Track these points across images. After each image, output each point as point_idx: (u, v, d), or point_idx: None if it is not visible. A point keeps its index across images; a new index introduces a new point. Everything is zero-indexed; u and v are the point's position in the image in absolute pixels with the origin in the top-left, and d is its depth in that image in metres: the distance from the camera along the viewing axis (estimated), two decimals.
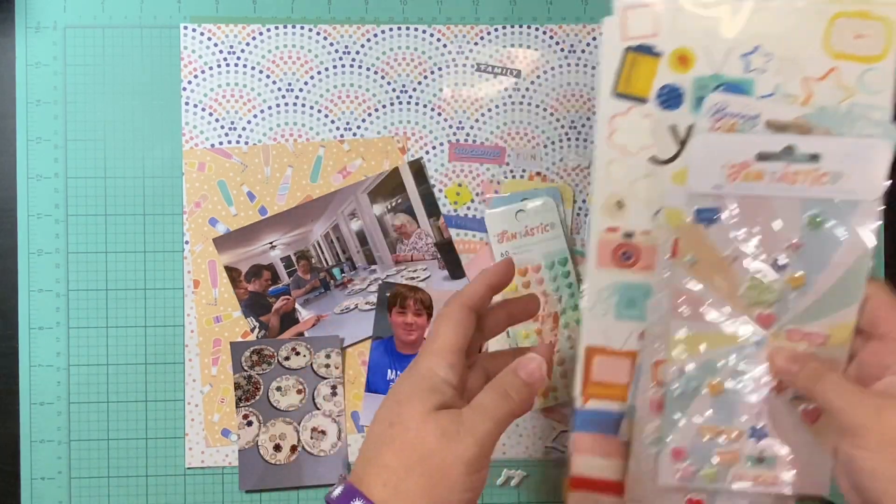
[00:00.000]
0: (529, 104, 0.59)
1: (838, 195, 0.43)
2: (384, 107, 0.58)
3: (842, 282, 0.44)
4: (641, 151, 0.46)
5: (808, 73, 0.44)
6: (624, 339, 0.47)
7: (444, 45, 0.58)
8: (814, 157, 0.43)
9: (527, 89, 0.59)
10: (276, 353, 0.58)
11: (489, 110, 0.59)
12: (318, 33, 0.58)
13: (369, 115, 0.58)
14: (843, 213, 0.43)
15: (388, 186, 0.58)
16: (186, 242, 0.58)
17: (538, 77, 0.59)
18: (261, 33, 0.58)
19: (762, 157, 0.43)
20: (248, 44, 0.58)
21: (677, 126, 0.45)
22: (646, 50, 0.45)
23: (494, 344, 0.58)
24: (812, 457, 0.45)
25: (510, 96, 0.59)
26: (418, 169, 0.58)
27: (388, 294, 0.58)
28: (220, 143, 0.58)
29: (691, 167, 0.44)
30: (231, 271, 0.58)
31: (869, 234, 0.43)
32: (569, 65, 0.59)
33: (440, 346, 0.42)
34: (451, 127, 0.59)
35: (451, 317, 0.43)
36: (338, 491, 0.40)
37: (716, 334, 0.45)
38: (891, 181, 0.43)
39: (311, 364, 0.58)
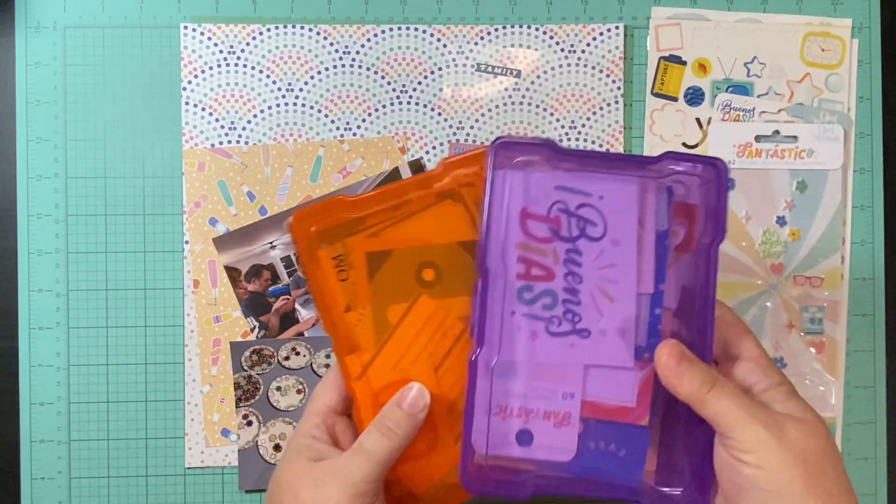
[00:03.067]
0: (529, 104, 0.59)
1: (814, 166, 0.58)
2: (384, 107, 0.58)
3: (826, 233, 0.58)
4: (675, 138, 0.59)
5: (790, 77, 0.59)
6: None
7: (444, 45, 0.58)
8: (794, 138, 0.58)
9: (527, 89, 0.59)
10: (275, 353, 0.58)
11: (489, 110, 0.59)
12: (318, 33, 0.58)
13: (369, 115, 0.58)
14: (819, 179, 0.58)
15: None
16: (186, 242, 0.58)
17: (538, 77, 0.59)
18: (261, 33, 0.58)
19: (758, 138, 0.58)
20: (248, 44, 0.58)
21: (700, 118, 0.59)
22: (675, 59, 0.59)
23: None
24: (821, 383, 0.58)
25: (510, 96, 0.59)
26: (418, 169, 0.58)
27: None
28: (220, 143, 0.58)
29: (711, 148, 0.58)
30: (231, 271, 0.58)
31: (837, 194, 0.58)
32: (569, 65, 0.59)
33: (314, 407, 0.43)
34: (451, 127, 0.59)
35: (330, 379, 0.44)
36: None
37: (740, 282, 0.58)
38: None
39: (311, 364, 0.58)
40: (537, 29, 0.59)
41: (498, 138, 0.38)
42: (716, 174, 0.39)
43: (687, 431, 0.39)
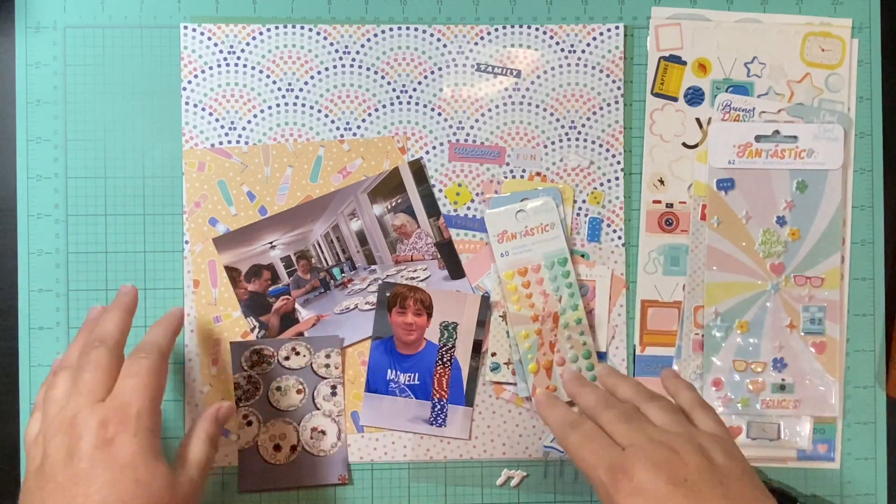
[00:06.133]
0: (529, 104, 0.59)
1: (814, 166, 0.58)
2: (384, 107, 0.58)
3: (826, 233, 0.58)
4: (675, 138, 0.59)
5: (790, 77, 0.59)
6: (671, 292, 0.59)
7: (444, 45, 0.58)
8: (794, 138, 0.58)
9: (527, 89, 0.59)
10: (275, 353, 0.58)
11: (489, 110, 0.59)
12: (318, 33, 0.58)
13: (369, 115, 0.58)
14: (819, 179, 0.58)
15: (388, 186, 0.58)
16: (186, 242, 0.58)
17: (538, 77, 0.59)
18: (261, 33, 0.58)
19: (759, 138, 0.58)
20: (248, 44, 0.58)
21: (700, 118, 0.59)
22: (675, 59, 0.59)
23: (496, 334, 0.58)
24: (821, 383, 0.58)
25: (510, 96, 0.59)
26: (418, 169, 0.58)
27: (388, 294, 0.58)
28: (220, 143, 0.58)
29: (710, 148, 0.58)
30: (231, 271, 0.58)
31: (837, 194, 0.58)
32: (569, 65, 0.59)
33: (148, 423, 0.44)
34: (451, 127, 0.59)
35: (149, 380, 0.45)
36: None
37: (740, 282, 0.58)
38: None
39: (311, 364, 0.58)
40: (537, 29, 0.59)
41: None
42: None
43: None
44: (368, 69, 0.58)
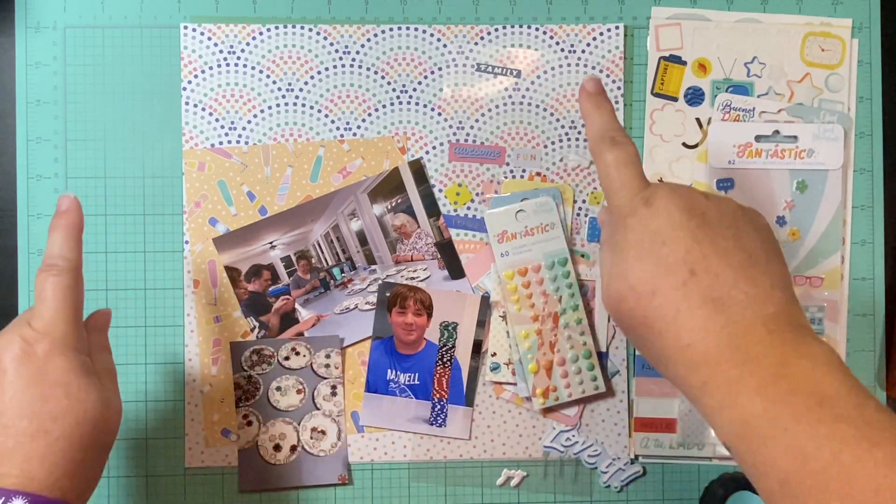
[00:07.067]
0: (529, 104, 0.59)
1: (814, 166, 0.58)
2: (384, 107, 0.58)
3: (826, 233, 0.58)
4: (675, 138, 0.59)
5: (790, 77, 0.59)
6: None
7: (444, 45, 0.58)
8: (793, 138, 0.58)
9: (527, 89, 0.59)
10: (275, 353, 0.58)
11: (489, 110, 0.59)
12: (318, 33, 0.58)
13: (369, 115, 0.58)
14: (819, 179, 0.58)
15: (388, 186, 0.58)
16: (186, 242, 0.58)
17: (538, 77, 0.59)
18: (261, 33, 0.58)
19: (759, 138, 0.58)
20: (248, 44, 0.58)
21: (700, 118, 0.59)
22: (675, 59, 0.59)
23: (497, 339, 0.58)
24: None
25: (510, 96, 0.59)
26: (418, 169, 0.58)
27: (388, 294, 0.58)
28: (220, 143, 0.58)
29: (710, 148, 0.58)
30: (231, 271, 0.58)
31: (837, 194, 0.58)
32: (569, 65, 0.59)
33: (75, 343, 0.44)
34: (451, 127, 0.59)
35: (66, 299, 0.43)
36: None
37: None
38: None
39: (311, 364, 0.58)
40: (537, 29, 0.59)
41: None
42: None
43: None
44: (368, 69, 0.58)
